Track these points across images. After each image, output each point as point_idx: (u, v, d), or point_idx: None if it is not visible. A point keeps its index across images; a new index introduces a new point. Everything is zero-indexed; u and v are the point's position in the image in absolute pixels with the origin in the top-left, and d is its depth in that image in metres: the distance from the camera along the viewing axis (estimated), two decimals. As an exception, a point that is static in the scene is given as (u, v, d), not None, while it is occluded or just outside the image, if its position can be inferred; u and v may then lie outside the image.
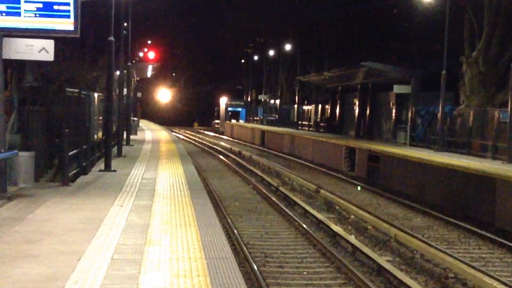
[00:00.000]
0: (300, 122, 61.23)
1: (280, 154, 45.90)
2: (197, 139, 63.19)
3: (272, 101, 79.27)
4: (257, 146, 55.02)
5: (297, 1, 62.18)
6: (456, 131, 29.59)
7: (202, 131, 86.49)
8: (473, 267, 12.96)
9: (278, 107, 73.30)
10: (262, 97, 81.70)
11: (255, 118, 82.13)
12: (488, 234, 17.14)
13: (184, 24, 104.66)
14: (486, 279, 12.03)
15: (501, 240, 16.40)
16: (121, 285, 7.61)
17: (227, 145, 52.57)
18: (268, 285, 11.85)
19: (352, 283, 12.23)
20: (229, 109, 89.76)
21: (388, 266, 12.92)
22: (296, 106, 65.26)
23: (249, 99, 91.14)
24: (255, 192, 25.03)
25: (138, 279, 7.86)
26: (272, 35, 72.79)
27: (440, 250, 14.50)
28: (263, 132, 58.23)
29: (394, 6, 43.59)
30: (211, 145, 52.97)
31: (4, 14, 11.87)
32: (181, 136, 64.52)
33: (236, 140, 64.09)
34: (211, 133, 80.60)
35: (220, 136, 75.07)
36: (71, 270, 8.18)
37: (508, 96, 24.03)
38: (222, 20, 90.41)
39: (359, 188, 26.87)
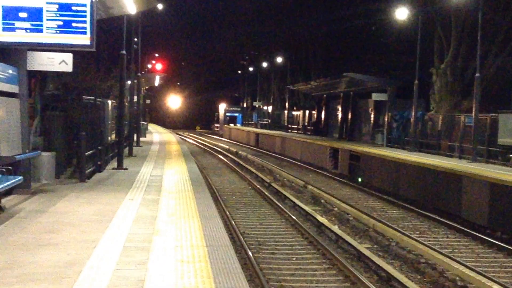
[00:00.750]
0: (289, 126, 61.23)
1: (272, 154, 45.94)
2: (199, 140, 63.17)
3: (265, 107, 79.30)
4: (252, 147, 55.01)
5: (288, 19, 62.23)
6: (427, 133, 29.65)
7: (204, 133, 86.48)
8: (442, 253, 13.02)
9: (270, 112, 73.42)
10: (256, 104, 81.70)
11: (250, 122, 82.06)
12: (455, 224, 17.21)
13: (188, 39, 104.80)
14: (453, 264, 12.08)
15: (467, 230, 16.47)
16: (132, 270, 7.62)
17: (226, 146, 52.58)
18: (261, 269, 11.86)
19: (336, 267, 12.25)
20: (228, 114, 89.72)
21: (367, 252, 12.97)
22: (286, 111, 65.28)
23: (245, 105, 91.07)
24: (250, 187, 25.05)
25: (147, 265, 7.88)
26: (265, 49, 72.74)
27: (413, 239, 14.55)
28: (257, 135, 58.23)
29: (373, 24, 43.59)
30: (211, 146, 52.97)
31: (28, 30, 11.88)
32: (185, 138, 64.45)
33: (234, 142, 64.08)
34: (212, 135, 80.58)
35: (220, 138, 75.02)
36: (87, 257, 8.19)
37: (473, 103, 24.11)
38: (221, 36, 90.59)
39: (359, 179, 26.47)
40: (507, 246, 14.46)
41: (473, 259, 13.45)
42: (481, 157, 23.17)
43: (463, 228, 16.66)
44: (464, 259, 13.01)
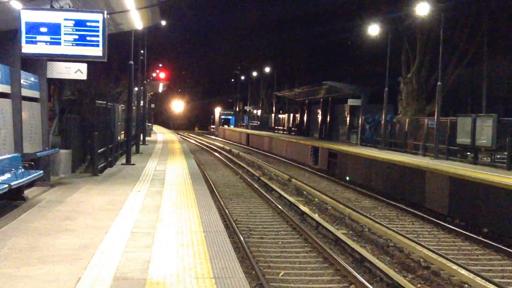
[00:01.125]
0: (276, 127, 61.24)
1: (261, 151, 45.96)
2: (197, 140, 63.07)
3: (255, 111, 79.28)
4: (243, 146, 54.99)
5: (275, 34, 62.30)
6: (395, 134, 29.73)
7: (201, 134, 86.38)
8: (408, 238, 13.09)
9: (259, 115, 73.43)
10: (247, 108, 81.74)
11: (242, 124, 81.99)
12: (419, 213, 17.29)
13: (188, 51, 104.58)
14: (418, 247, 12.16)
15: (430, 218, 16.56)
16: (139, 253, 7.63)
17: (220, 145, 52.55)
18: (251, 252, 11.88)
19: (316, 250, 12.30)
20: (222, 117, 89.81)
21: (343, 237, 13.01)
22: (273, 114, 65.34)
23: (237, 109, 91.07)
24: (242, 180, 25.03)
25: (151, 248, 7.89)
26: (255, 60, 72.65)
27: (383, 225, 14.61)
28: (248, 135, 58.19)
29: (349, 38, 43.69)
30: (208, 144, 52.91)
31: (48, 43, 11.84)
32: (185, 138, 64.34)
33: (227, 141, 64.01)
34: (208, 135, 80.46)
35: (215, 137, 74.92)
36: (99, 241, 8.20)
37: (435, 107, 24.26)
38: (217, 48, 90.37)
39: (347, 178, 26.21)
40: (464, 232, 14.57)
41: (435, 243, 13.53)
42: (442, 154, 23.29)
43: (426, 216, 16.74)
44: (427, 243, 13.10)
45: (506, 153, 19.32)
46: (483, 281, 9.94)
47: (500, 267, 11.68)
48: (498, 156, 20.58)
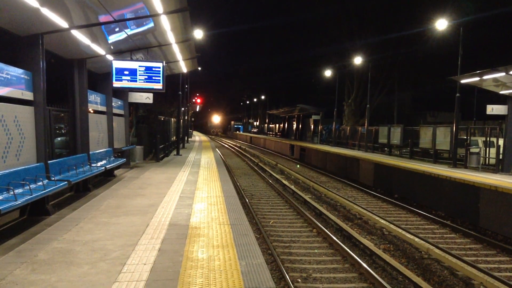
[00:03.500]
0: (268, 132, 61.17)
1: (259, 147, 45.82)
2: (220, 140, 62.90)
3: (255, 122, 79.20)
4: (248, 144, 54.82)
5: (267, 75, 62.51)
6: (341, 137, 29.72)
7: (223, 136, 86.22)
8: (348, 200, 13.09)
9: (258, 125, 73.29)
10: (250, 120, 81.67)
11: (248, 130, 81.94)
12: (356, 185, 17.29)
13: (215, 85, 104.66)
14: (355, 206, 12.17)
15: (362, 188, 16.55)
16: (184, 209, 7.64)
17: (234, 143, 52.41)
18: (253, 208, 11.89)
19: (292, 207, 12.31)
20: (235, 126, 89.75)
21: (309, 200, 13.01)
22: (266, 124, 65.23)
23: (244, 121, 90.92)
24: (247, 165, 24.96)
25: (192, 206, 7.90)
26: (255, 91, 72.76)
27: (333, 192, 14.60)
28: (251, 137, 58.04)
29: (312, 78, 43.70)
30: (226, 143, 52.77)
31: (128, 81, 11.83)
32: (213, 139, 64.07)
33: (238, 141, 63.78)
34: (227, 138, 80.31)
35: (231, 139, 74.80)
36: (160, 202, 8.21)
37: (365, 121, 24.23)
38: (232, 84, 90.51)
39: (298, 166, 26.52)
40: (383, 197, 14.57)
41: (365, 204, 13.55)
42: (370, 149, 23.29)
43: (360, 187, 16.74)
44: (360, 204, 13.11)
45: (408, 148, 19.33)
46: (394, 226, 9.97)
47: (405, 219, 11.71)
48: (404, 150, 20.58)
